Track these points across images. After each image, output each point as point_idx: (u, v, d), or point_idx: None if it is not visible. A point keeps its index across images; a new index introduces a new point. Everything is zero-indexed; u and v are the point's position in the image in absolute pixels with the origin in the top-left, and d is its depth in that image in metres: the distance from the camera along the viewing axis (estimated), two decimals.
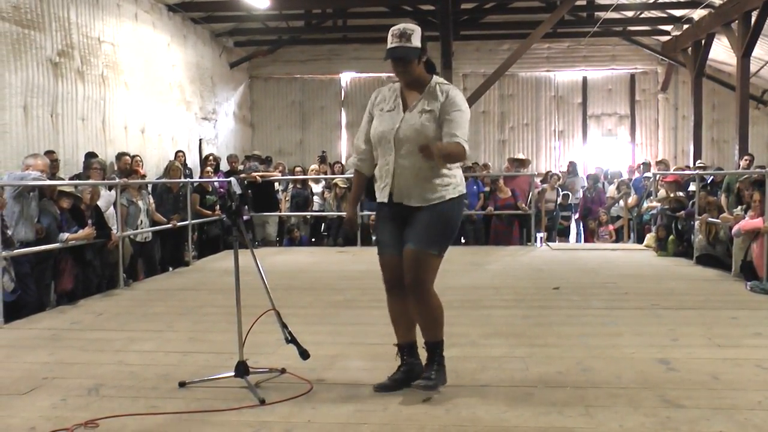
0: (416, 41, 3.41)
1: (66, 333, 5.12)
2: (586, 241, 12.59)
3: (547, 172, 13.95)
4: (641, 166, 13.35)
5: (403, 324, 3.65)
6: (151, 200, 8.67)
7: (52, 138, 8.87)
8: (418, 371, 3.61)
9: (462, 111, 3.46)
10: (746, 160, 10.99)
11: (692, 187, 9.54)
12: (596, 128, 16.64)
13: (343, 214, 11.18)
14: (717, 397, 3.47)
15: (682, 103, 16.20)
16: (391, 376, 3.63)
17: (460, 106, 3.46)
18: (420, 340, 3.66)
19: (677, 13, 13.89)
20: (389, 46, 3.44)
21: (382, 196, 3.57)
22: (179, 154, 11.31)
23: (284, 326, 3.80)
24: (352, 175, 12.04)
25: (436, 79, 3.54)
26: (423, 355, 3.66)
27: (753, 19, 11.03)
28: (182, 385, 3.70)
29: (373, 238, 11.37)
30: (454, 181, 3.53)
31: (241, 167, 11.90)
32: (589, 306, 5.93)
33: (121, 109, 10.60)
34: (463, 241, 11.11)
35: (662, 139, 16.49)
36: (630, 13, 14.73)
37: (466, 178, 9.95)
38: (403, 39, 3.40)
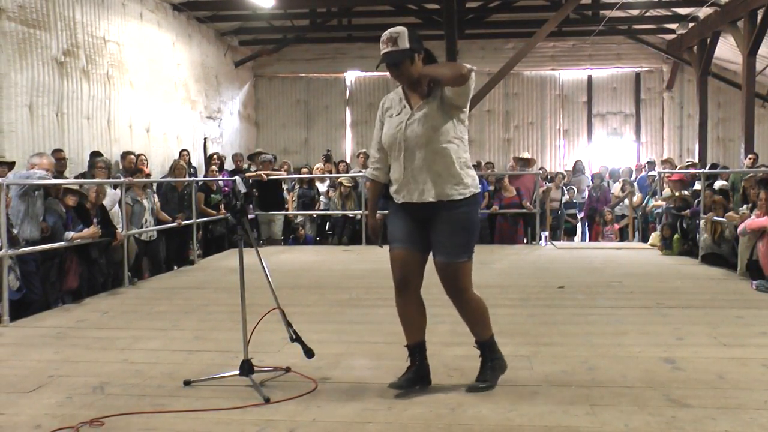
0: (403, 43, 3.39)
1: (71, 331, 5.14)
2: (591, 240, 12.57)
3: (540, 169, 13.91)
4: (646, 165, 13.33)
5: (413, 324, 3.62)
6: (156, 199, 8.68)
7: (57, 137, 8.89)
8: (426, 372, 3.62)
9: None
10: (750, 158, 10.95)
11: (697, 186, 9.51)
12: (601, 127, 16.61)
13: (348, 213, 11.22)
14: (722, 396, 3.46)
15: (687, 101, 16.16)
16: (402, 376, 3.59)
17: None
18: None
19: (683, 11, 13.83)
20: (381, 53, 3.44)
21: (398, 198, 3.57)
22: (183, 153, 11.33)
23: (289, 325, 3.80)
24: (356, 174, 11.95)
25: None
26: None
27: (759, 17, 10.99)
28: (187, 383, 3.70)
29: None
30: (467, 181, 3.50)
31: (246, 165, 11.90)
32: (594, 305, 5.92)
33: (126, 108, 10.63)
34: None
35: (667, 138, 16.45)
36: (635, 12, 14.68)
37: None
38: (390, 44, 3.39)
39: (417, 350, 3.62)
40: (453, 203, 3.45)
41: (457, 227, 3.47)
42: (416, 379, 3.58)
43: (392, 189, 3.61)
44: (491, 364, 3.64)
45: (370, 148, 3.79)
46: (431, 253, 3.55)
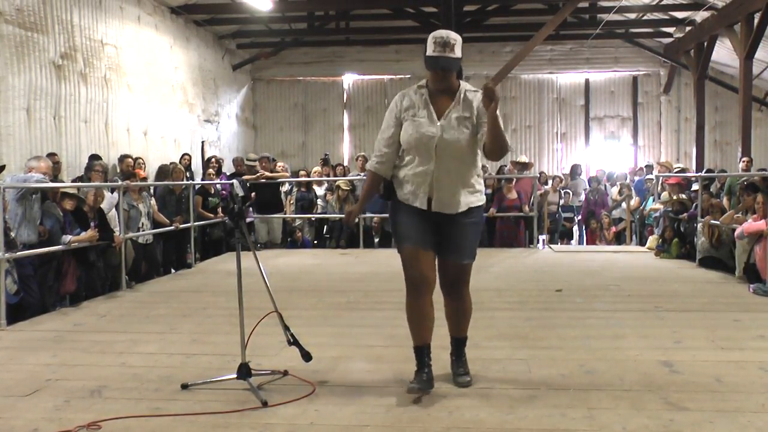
0: (459, 52, 3.49)
1: (69, 335, 5.13)
2: (588, 243, 12.59)
3: (540, 173, 13.91)
4: (644, 168, 13.34)
5: (427, 324, 3.60)
6: (153, 202, 8.66)
7: (55, 140, 8.88)
8: (432, 375, 3.57)
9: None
10: (745, 162, 10.93)
11: (695, 187, 9.51)
12: (599, 130, 16.64)
13: None
14: (720, 399, 3.46)
15: (684, 105, 16.19)
16: (418, 377, 3.52)
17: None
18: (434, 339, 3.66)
19: (680, 15, 13.87)
20: (432, 53, 3.45)
21: (417, 203, 3.55)
22: (185, 157, 11.32)
23: (287, 328, 3.80)
24: (354, 178, 11.85)
25: (464, 85, 3.60)
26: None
27: (756, 21, 11.01)
28: (185, 387, 3.69)
29: (376, 240, 11.37)
30: (481, 188, 3.68)
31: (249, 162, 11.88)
32: (592, 308, 5.93)
33: (123, 111, 10.62)
34: None
35: (665, 142, 16.49)
36: (632, 15, 14.72)
37: None
38: (447, 49, 3.44)
39: (427, 352, 3.60)
40: (470, 214, 3.59)
41: (472, 233, 3.63)
42: (432, 380, 3.54)
43: (407, 190, 3.58)
44: (465, 359, 3.81)
45: (377, 141, 3.72)
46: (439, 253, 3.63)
